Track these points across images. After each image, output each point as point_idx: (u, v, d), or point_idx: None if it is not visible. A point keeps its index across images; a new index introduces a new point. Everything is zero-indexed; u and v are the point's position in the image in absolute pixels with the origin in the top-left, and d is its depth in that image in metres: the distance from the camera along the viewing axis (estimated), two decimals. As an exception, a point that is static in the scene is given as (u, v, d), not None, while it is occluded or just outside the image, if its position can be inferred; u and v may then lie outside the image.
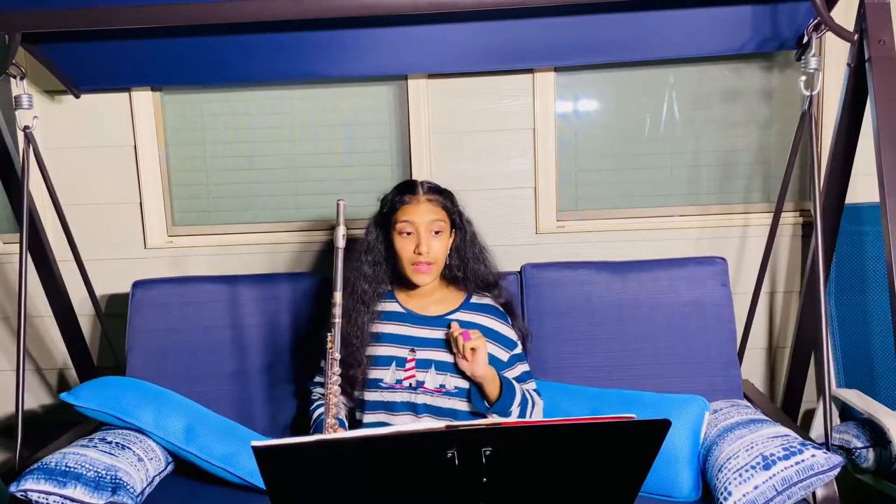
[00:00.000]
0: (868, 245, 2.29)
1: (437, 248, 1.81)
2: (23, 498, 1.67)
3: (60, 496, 1.66)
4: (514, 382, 1.80)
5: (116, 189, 2.48)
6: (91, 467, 1.72)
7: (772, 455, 1.62)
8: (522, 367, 1.90)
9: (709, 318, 2.11)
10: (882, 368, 2.25)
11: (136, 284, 2.25)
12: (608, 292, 2.14)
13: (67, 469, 1.70)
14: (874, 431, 1.96)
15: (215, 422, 1.98)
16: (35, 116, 2.09)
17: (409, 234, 1.79)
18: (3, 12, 1.86)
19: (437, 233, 1.81)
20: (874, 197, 1.72)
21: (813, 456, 1.60)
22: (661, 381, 2.06)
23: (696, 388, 2.01)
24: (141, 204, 2.49)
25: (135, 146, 2.45)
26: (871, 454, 1.94)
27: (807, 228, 2.41)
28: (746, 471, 1.61)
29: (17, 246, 2.45)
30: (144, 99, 2.44)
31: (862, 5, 1.76)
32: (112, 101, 2.42)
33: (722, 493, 1.63)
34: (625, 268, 2.17)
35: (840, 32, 1.79)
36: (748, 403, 2.01)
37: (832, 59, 2.30)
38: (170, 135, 2.51)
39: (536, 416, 1.83)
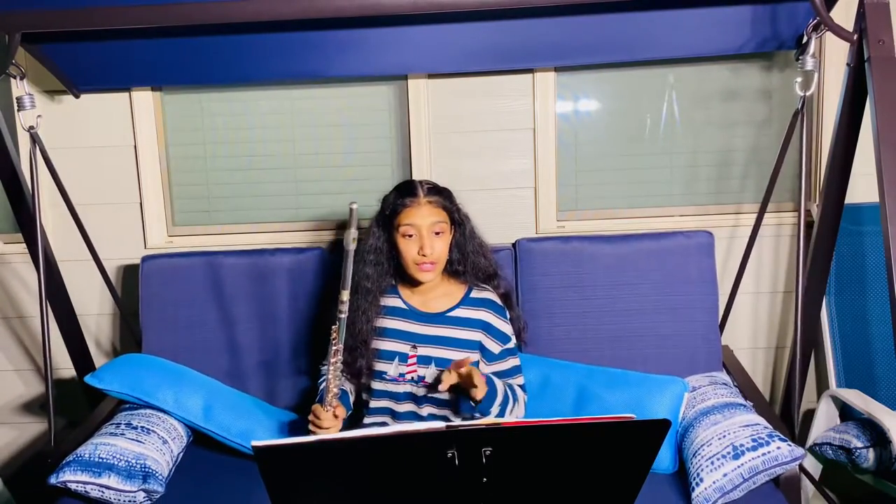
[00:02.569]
0: (868, 245, 2.29)
1: (440, 248, 1.85)
2: (62, 487, 1.77)
3: (97, 485, 1.77)
4: (498, 384, 1.82)
5: (116, 189, 2.48)
6: (122, 457, 1.83)
7: (741, 445, 1.74)
8: (513, 362, 1.94)
9: (694, 290, 2.19)
10: (882, 368, 2.25)
11: (144, 259, 2.29)
12: (598, 264, 2.21)
13: (101, 460, 1.81)
14: (874, 431, 1.96)
15: (232, 398, 2.10)
16: (39, 116, 2.08)
17: (411, 236, 1.83)
18: (3, 12, 1.86)
19: (438, 233, 1.84)
20: (874, 197, 1.72)
21: (778, 448, 1.72)
22: (647, 352, 2.17)
23: (679, 357, 2.16)
24: (141, 204, 2.49)
25: (135, 146, 2.45)
26: (871, 454, 1.94)
27: (806, 228, 2.41)
28: (718, 459, 1.74)
29: (17, 246, 2.47)
30: (144, 99, 2.44)
31: (861, 5, 1.76)
32: (112, 101, 2.42)
33: (695, 479, 1.75)
34: (615, 240, 2.24)
35: (839, 32, 1.79)
36: (726, 378, 2.11)
37: (832, 60, 2.30)
38: (170, 135, 2.51)
39: (517, 413, 1.87)
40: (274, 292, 2.25)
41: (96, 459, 1.80)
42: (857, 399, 2.05)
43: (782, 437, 1.76)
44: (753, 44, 2.13)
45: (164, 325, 2.25)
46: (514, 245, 2.26)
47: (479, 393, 1.71)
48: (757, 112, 2.43)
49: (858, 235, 2.29)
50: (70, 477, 1.76)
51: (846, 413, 2.18)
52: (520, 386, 1.93)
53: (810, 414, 2.27)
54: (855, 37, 1.78)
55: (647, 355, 2.16)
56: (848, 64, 1.84)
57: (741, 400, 1.97)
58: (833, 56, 2.30)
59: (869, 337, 2.27)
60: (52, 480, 1.77)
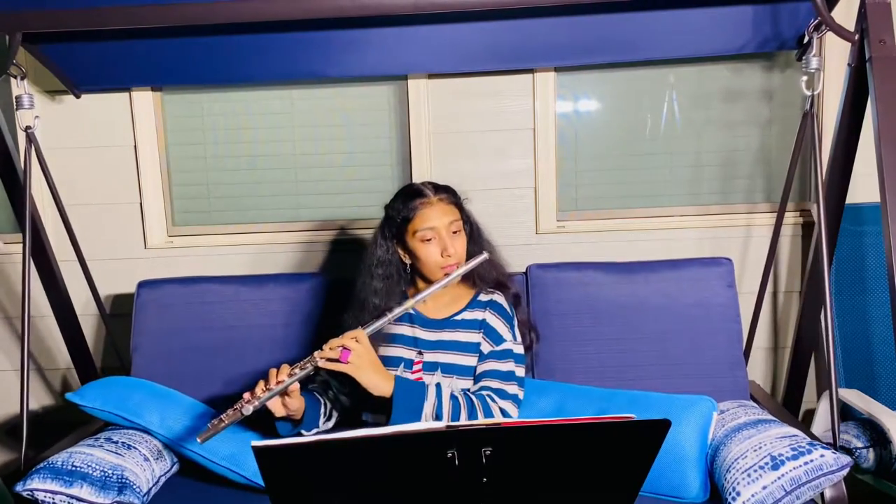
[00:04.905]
0: (868, 245, 2.29)
1: (460, 246, 1.79)
2: (29, 497, 1.66)
3: (67, 496, 1.66)
4: (443, 389, 1.72)
5: (116, 189, 2.48)
6: (97, 467, 1.72)
7: (780, 455, 1.61)
8: (498, 365, 1.80)
9: (715, 319, 2.10)
10: (882, 368, 2.25)
11: (141, 285, 2.25)
12: (614, 293, 2.13)
13: (74, 468, 1.70)
14: (874, 431, 1.96)
15: None
16: (36, 116, 2.09)
17: (430, 240, 1.77)
18: (3, 12, 1.86)
19: (455, 232, 1.79)
20: (874, 197, 1.72)
21: (822, 456, 1.59)
22: (668, 382, 2.04)
23: (702, 388, 1.99)
24: (141, 204, 2.49)
25: (135, 146, 2.45)
26: (871, 454, 1.94)
27: (807, 228, 2.41)
28: (755, 471, 1.60)
29: (18, 246, 2.47)
30: (144, 99, 2.44)
31: (863, 5, 1.76)
32: (112, 101, 2.42)
33: (730, 494, 1.61)
34: (630, 269, 2.16)
35: (841, 32, 1.79)
36: (755, 404, 2.00)
37: (833, 59, 2.30)
38: (170, 135, 2.51)
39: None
40: (272, 320, 2.19)
41: (69, 467, 1.69)
42: (857, 399, 2.05)
43: (825, 445, 1.64)
44: (754, 44, 2.13)
45: (157, 352, 2.17)
46: (525, 272, 2.19)
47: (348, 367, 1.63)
48: (758, 112, 2.43)
49: (859, 235, 2.29)
50: (38, 485, 1.65)
51: (846, 413, 2.18)
52: (498, 391, 1.77)
53: (811, 414, 2.27)
54: (856, 37, 1.78)
55: (667, 385, 2.01)
56: (849, 64, 1.84)
57: (773, 418, 1.84)
58: (834, 56, 2.30)
59: (869, 337, 2.27)
60: (18, 488, 1.66)
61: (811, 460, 1.58)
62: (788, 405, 2.31)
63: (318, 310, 2.19)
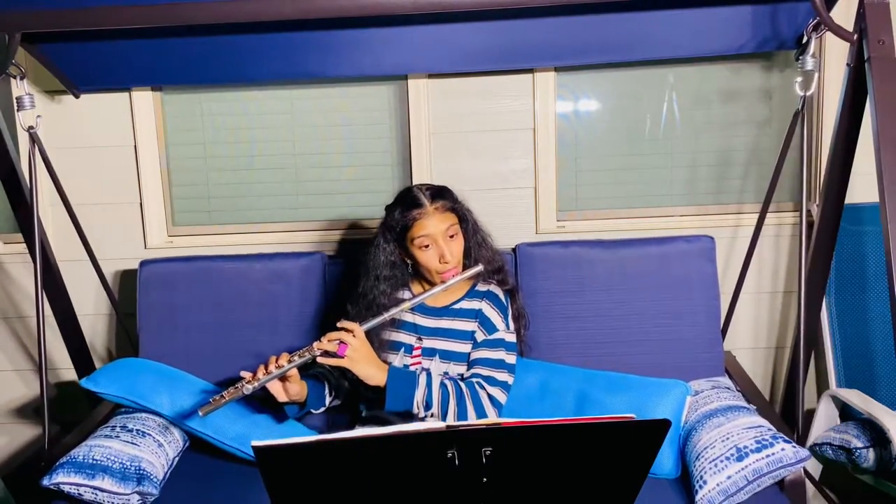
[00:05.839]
0: (868, 245, 2.29)
1: (457, 250, 1.87)
2: (55, 490, 1.75)
3: (91, 487, 1.75)
4: (434, 381, 1.80)
5: (116, 189, 2.48)
6: (116, 459, 1.81)
7: (745, 447, 1.72)
8: (489, 353, 1.88)
9: (695, 295, 2.17)
10: (882, 368, 2.25)
11: (143, 263, 2.28)
12: (599, 269, 2.20)
13: (95, 462, 1.79)
14: (874, 431, 1.96)
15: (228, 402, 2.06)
16: (38, 116, 2.09)
17: (427, 246, 1.84)
18: (3, 12, 1.86)
19: (452, 237, 1.86)
20: (874, 197, 1.72)
21: (783, 450, 1.70)
22: (648, 358, 2.14)
23: (681, 363, 2.13)
24: (141, 204, 2.49)
25: (135, 146, 2.45)
26: (871, 454, 1.94)
27: (807, 228, 2.41)
28: (721, 461, 1.72)
29: (17, 246, 2.47)
30: (144, 99, 2.44)
31: (861, 5, 1.76)
32: (112, 101, 2.42)
33: (698, 482, 1.73)
34: (616, 245, 2.23)
35: (839, 32, 1.79)
36: (729, 383, 2.10)
37: (832, 60, 2.30)
38: (170, 135, 2.51)
39: (470, 412, 1.79)
40: (273, 298, 2.24)
41: (90, 461, 1.79)
42: (857, 399, 2.05)
43: (786, 438, 1.74)
44: (753, 44, 2.13)
45: (162, 330, 2.23)
46: (514, 249, 2.25)
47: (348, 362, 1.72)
48: (757, 112, 2.43)
49: (858, 235, 2.29)
50: (63, 479, 1.74)
51: (846, 413, 2.18)
52: (490, 380, 1.84)
53: (810, 414, 2.27)
54: (855, 37, 1.78)
55: (648, 360, 2.13)
56: (848, 64, 1.84)
57: (744, 403, 1.95)
58: (833, 56, 2.30)
59: (869, 337, 2.27)
60: (45, 482, 1.75)
61: (773, 453, 1.70)
62: (788, 405, 2.31)
63: (321, 286, 2.24)
